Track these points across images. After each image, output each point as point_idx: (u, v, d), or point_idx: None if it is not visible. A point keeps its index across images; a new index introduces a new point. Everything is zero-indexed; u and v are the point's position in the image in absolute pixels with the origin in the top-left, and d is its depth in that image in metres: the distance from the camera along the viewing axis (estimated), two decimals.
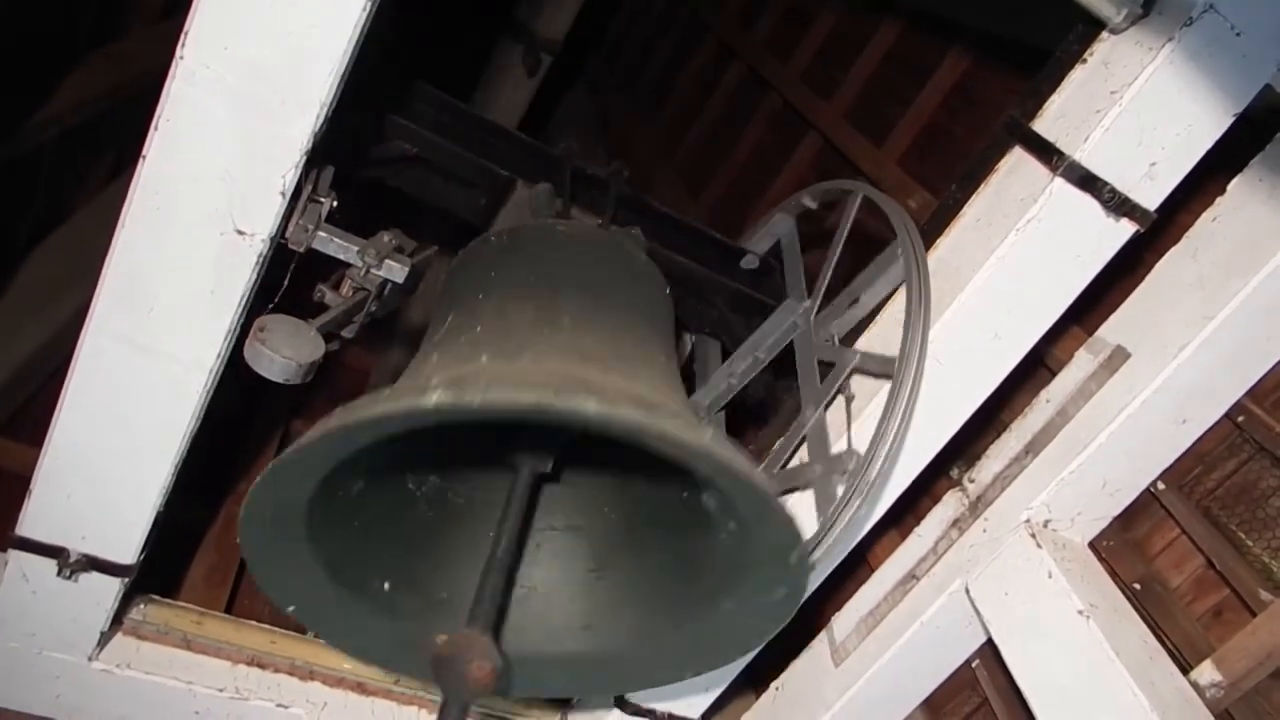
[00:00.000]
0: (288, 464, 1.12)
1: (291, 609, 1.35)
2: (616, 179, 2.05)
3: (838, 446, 1.75)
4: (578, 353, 1.26)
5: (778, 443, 1.89)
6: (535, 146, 2.03)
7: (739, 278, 2.24)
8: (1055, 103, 1.68)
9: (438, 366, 1.27)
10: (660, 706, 2.27)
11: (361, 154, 1.77)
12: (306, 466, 1.16)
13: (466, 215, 1.93)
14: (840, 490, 1.66)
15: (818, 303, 1.96)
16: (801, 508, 1.86)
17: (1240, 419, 1.79)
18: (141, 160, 1.37)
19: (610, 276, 1.57)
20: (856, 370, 1.79)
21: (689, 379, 2.48)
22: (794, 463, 1.87)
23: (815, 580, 1.95)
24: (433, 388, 1.02)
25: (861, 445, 1.65)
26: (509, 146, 2.00)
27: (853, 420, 1.78)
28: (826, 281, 1.95)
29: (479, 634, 1.03)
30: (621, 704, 2.25)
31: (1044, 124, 1.68)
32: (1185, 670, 1.70)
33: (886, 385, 1.64)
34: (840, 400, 1.82)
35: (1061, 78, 1.68)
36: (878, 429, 1.59)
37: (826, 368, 1.85)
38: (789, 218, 2.26)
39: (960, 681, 2.17)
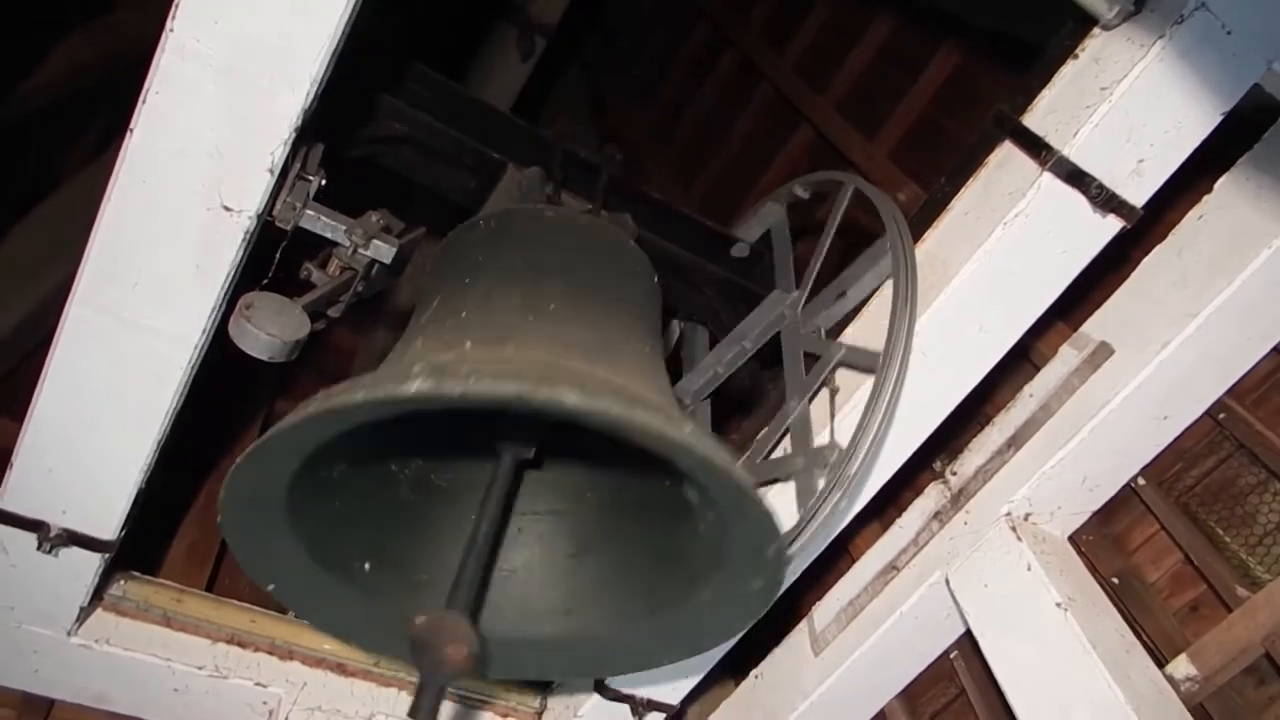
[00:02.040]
0: (269, 446, 1.11)
1: (271, 587, 1.35)
2: (609, 162, 2.04)
3: (820, 439, 1.75)
4: (561, 341, 1.26)
5: (761, 433, 1.90)
6: (527, 129, 2.01)
7: (729, 266, 2.24)
8: (1045, 98, 1.68)
9: (421, 351, 1.27)
10: (640, 693, 2.28)
11: (352, 132, 1.76)
12: (287, 449, 1.15)
13: (457, 197, 1.92)
14: (821, 483, 1.66)
15: (805, 294, 1.97)
16: (782, 500, 1.85)
17: (1221, 416, 1.81)
18: (129, 133, 1.36)
19: (597, 263, 1.57)
20: (841, 364, 1.79)
21: (676, 365, 2.48)
22: (777, 454, 1.88)
23: (796, 570, 1.96)
24: (415, 375, 1.01)
25: (844, 439, 1.65)
26: (501, 128, 1.98)
27: (836, 413, 1.78)
28: (815, 273, 1.95)
29: (457, 616, 1.03)
30: (601, 689, 2.25)
31: (1034, 119, 1.68)
32: (1161, 664, 1.71)
33: (870, 379, 1.65)
34: (824, 393, 1.82)
35: (1052, 73, 1.68)
36: (860, 423, 1.59)
37: (812, 360, 1.85)
38: (779, 207, 2.26)
39: (938, 672, 2.19)
